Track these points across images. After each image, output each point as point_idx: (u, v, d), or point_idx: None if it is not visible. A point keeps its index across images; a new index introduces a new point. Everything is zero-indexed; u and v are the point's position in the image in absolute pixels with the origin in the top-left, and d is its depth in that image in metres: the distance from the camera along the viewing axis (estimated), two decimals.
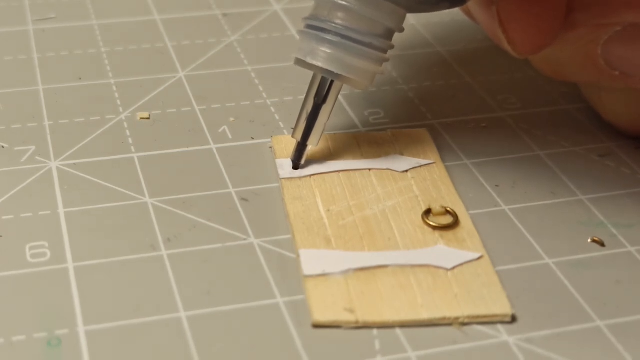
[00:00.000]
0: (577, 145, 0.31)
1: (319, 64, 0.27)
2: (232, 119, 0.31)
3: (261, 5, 0.39)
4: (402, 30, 0.28)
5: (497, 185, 0.29)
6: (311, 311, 0.24)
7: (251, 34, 0.37)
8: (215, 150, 0.30)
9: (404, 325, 0.24)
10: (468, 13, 0.30)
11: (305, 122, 0.28)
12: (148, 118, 0.31)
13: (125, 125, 0.31)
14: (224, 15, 0.38)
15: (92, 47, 0.36)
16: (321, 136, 0.29)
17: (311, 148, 0.29)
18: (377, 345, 0.23)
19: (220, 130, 0.31)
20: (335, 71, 0.27)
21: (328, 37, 0.27)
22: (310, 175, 0.28)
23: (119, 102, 0.32)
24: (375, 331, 0.24)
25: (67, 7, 0.39)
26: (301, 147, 0.29)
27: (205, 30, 0.37)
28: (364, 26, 0.27)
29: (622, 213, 0.28)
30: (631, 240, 0.27)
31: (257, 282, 0.25)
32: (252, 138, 0.31)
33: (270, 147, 0.30)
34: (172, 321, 0.24)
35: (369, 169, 0.29)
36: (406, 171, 0.29)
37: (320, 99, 0.28)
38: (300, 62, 0.28)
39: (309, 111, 0.28)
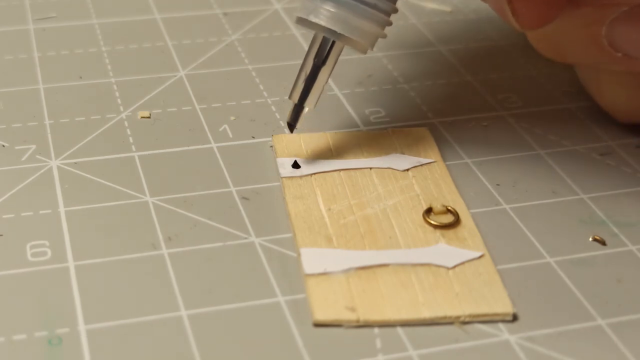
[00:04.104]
0: (578, 144, 0.31)
1: (322, 23, 0.27)
2: (232, 118, 0.31)
3: (262, 4, 0.39)
4: None
5: (498, 184, 0.29)
6: (312, 310, 0.24)
7: (252, 32, 0.37)
8: (215, 149, 0.30)
9: (405, 323, 0.24)
10: None
11: (304, 84, 0.28)
12: (149, 117, 0.31)
13: (126, 124, 0.31)
14: (225, 14, 0.38)
15: (92, 46, 0.36)
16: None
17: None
18: (378, 343, 0.23)
19: (220, 129, 0.31)
20: (338, 31, 0.27)
21: None
22: (311, 174, 0.28)
23: (119, 101, 0.32)
24: (376, 330, 0.24)
25: (68, 6, 0.39)
26: (298, 108, 0.28)
27: (206, 29, 0.37)
28: None
29: (623, 212, 0.28)
30: (632, 239, 0.27)
31: (258, 281, 0.25)
32: (253, 137, 0.31)
33: (271, 146, 0.30)
34: (173, 320, 0.24)
35: (370, 168, 0.29)
36: (407, 170, 0.29)
37: (320, 60, 0.28)
38: (302, 21, 0.27)
39: (308, 72, 0.28)
